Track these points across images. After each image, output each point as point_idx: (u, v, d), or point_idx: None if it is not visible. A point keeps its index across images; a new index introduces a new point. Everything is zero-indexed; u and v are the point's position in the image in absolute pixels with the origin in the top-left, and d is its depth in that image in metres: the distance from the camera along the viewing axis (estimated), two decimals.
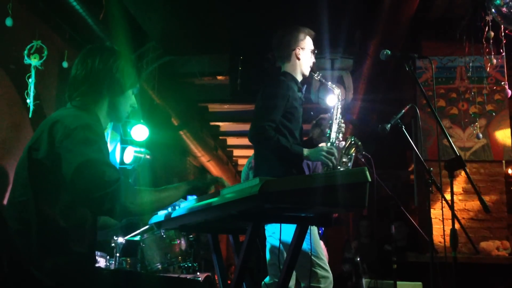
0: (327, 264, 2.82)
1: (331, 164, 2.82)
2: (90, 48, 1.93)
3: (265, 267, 3.04)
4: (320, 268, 2.76)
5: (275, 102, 2.81)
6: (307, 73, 3.07)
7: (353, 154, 3.09)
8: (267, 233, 2.95)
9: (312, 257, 2.72)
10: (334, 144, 2.99)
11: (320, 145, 3.15)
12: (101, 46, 1.98)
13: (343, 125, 3.07)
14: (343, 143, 3.06)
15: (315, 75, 3.08)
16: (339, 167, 2.94)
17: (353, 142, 3.08)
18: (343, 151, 3.05)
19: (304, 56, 3.04)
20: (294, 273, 2.91)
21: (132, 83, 1.94)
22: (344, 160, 3.04)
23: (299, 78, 3.05)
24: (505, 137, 5.40)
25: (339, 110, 3.08)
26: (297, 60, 3.03)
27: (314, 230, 2.82)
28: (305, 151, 2.82)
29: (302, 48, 3.02)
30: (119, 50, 1.96)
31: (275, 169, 2.80)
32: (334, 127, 3.04)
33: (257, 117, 2.82)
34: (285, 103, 2.84)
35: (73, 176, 1.63)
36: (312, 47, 3.07)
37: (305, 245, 2.67)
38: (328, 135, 3.04)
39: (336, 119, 3.05)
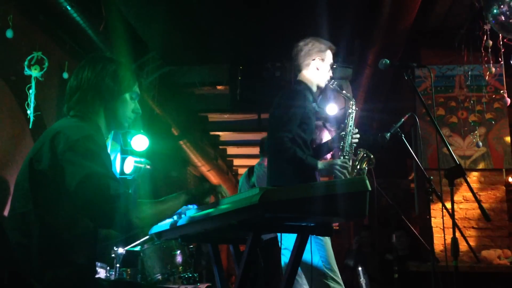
0: (340, 277, 2.76)
1: (344, 178, 2.77)
2: (85, 60, 1.94)
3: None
4: (332, 281, 2.69)
5: (293, 112, 2.79)
6: (323, 85, 3.04)
7: (366, 168, 3.03)
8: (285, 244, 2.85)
9: (325, 269, 2.68)
10: (347, 157, 2.96)
11: (328, 157, 3.12)
12: (94, 56, 1.97)
13: (356, 135, 3.03)
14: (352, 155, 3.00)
15: (330, 83, 3.06)
16: None
17: (365, 155, 3.04)
18: (355, 164, 3.01)
19: (323, 68, 3.01)
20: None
21: (126, 86, 1.92)
22: (355, 172, 2.99)
23: (314, 89, 3.02)
24: (504, 145, 5.40)
25: (353, 121, 3.04)
26: (315, 71, 3.00)
27: (327, 241, 2.77)
28: (319, 164, 2.80)
29: (322, 60, 3.00)
30: (112, 57, 1.96)
31: (290, 181, 2.77)
32: (348, 139, 2.99)
33: (275, 128, 2.80)
34: (301, 114, 2.82)
35: (76, 189, 1.62)
36: (332, 61, 3.04)
37: (317, 258, 2.65)
38: (341, 146, 3.00)
39: (350, 130, 3.01)
